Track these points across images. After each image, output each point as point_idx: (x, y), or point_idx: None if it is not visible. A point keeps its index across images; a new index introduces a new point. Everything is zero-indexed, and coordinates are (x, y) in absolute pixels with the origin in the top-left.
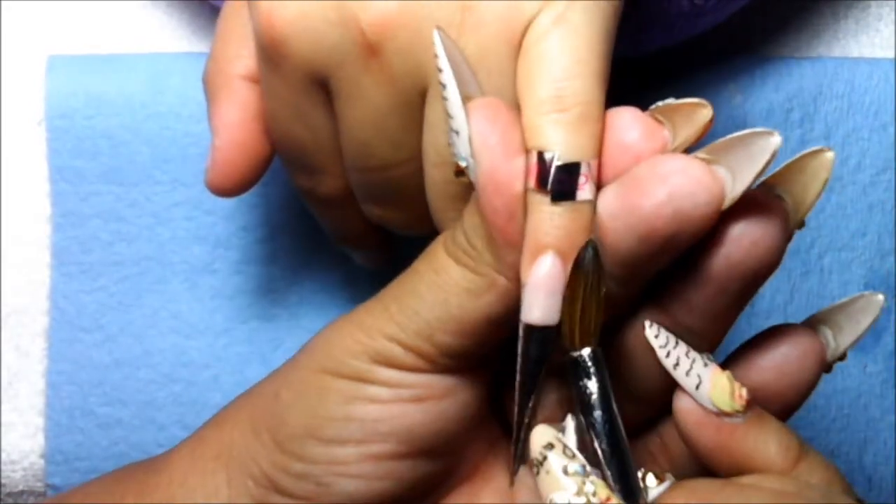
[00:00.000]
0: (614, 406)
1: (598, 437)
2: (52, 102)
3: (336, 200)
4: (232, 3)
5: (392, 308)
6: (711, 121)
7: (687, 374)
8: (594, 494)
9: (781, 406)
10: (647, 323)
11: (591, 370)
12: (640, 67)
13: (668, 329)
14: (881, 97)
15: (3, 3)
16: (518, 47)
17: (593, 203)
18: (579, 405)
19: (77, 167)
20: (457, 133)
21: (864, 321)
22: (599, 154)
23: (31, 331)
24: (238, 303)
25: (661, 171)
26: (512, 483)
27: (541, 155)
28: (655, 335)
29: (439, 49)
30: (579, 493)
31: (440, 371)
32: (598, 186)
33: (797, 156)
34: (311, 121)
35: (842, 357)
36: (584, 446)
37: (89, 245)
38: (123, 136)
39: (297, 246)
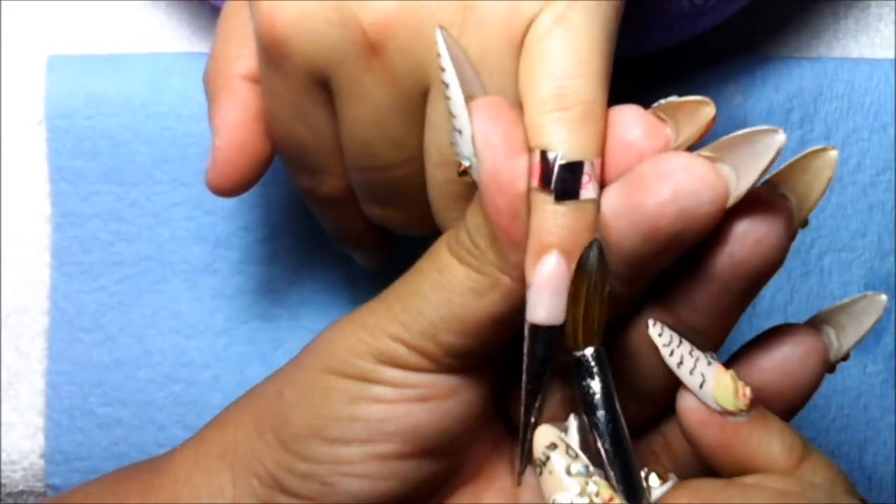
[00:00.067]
0: (617, 406)
1: (601, 437)
2: (52, 102)
3: (337, 200)
4: (232, 2)
5: (396, 308)
6: (714, 118)
7: (691, 372)
8: (597, 495)
9: (784, 406)
10: (650, 321)
11: (595, 370)
12: (640, 67)
13: (672, 328)
14: (881, 98)
15: (3, 3)
16: (520, 47)
17: (597, 202)
18: (582, 405)
19: (77, 167)
20: (460, 132)
21: (867, 321)
22: (602, 153)
23: (31, 331)
24: (238, 303)
25: (664, 169)
26: (518, 483)
27: (544, 154)
28: (659, 333)
29: (442, 48)
30: (582, 493)
31: (444, 371)
32: (602, 185)
33: (801, 154)
34: (312, 121)
35: (845, 357)
36: (587, 446)
37: (89, 245)
38: (123, 136)
39: (298, 246)
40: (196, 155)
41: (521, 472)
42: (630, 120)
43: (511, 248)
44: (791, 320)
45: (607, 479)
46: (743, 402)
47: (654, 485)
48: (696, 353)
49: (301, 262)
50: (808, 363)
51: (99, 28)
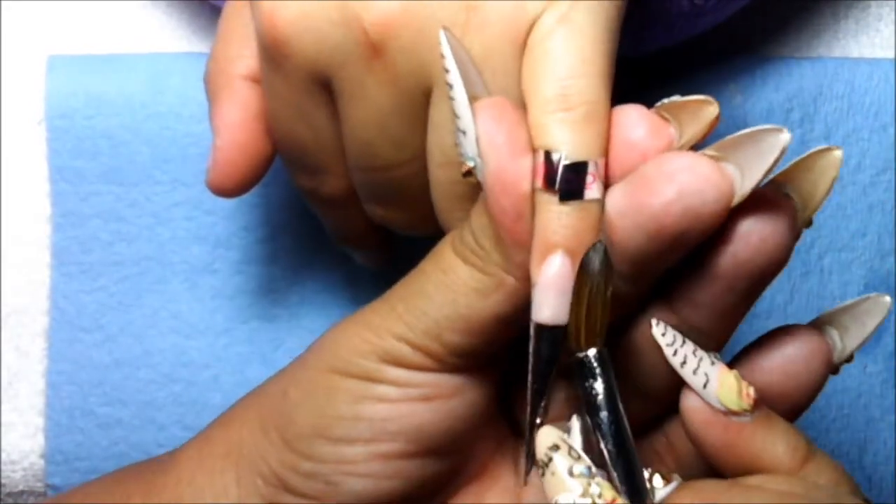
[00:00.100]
0: (620, 407)
1: (603, 438)
2: (52, 102)
3: (338, 200)
4: (233, 2)
5: (399, 308)
6: (718, 118)
7: (694, 372)
8: (600, 496)
9: (788, 407)
10: (653, 321)
11: (597, 371)
12: (640, 67)
13: (676, 327)
14: (881, 98)
15: (3, 3)
16: (523, 46)
17: (601, 202)
18: (585, 406)
19: (77, 167)
20: (464, 133)
21: (871, 323)
22: (606, 152)
23: (31, 331)
24: (238, 303)
25: (669, 168)
26: (525, 483)
27: (548, 154)
28: (662, 333)
29: (445, 49)
30: (585, 494)
31: (448, 370)
32: (606, 185)
33: (805, 154)
34: (314, 121)
35: (848, 359)
36: (591, 447)
37: (89, 245)
38: (123, 136)
39: (298, 246)
40: (196, 155)
41: (528, 473)
42: (633, 119)
43: (515, 249)
44: (791, 320)
45: (610, 480)
46: (747, 402)
47: (658, 486)
48: (700, 352)
49: (301, 263)
50: (812, 364)
51: (99, 28)
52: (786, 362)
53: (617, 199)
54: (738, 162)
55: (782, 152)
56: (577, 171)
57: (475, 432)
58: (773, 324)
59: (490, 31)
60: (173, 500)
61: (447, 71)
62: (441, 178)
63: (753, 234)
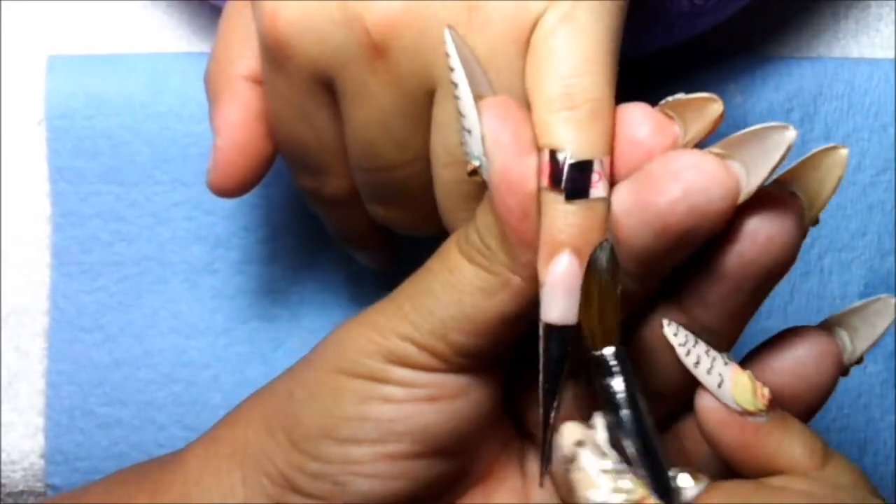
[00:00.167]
0: (641, 404)
1: (627, 436)
2: (52, 102)
3: (341, 201)
4: (234, 2)
5: (406, 307)
6: (722, 115)
7: (708, 372)
8: (630, 492)
9: (800, 409)
10: (664, 321)
11: (616, 369)
12: (640, 67)
13: (686, 327)
14: (881, 98)
15: (3, 3)
16: (526, 46)
17: (607, 200)
18: (606, 404)
19: (77, 167)
20: (469, 132)
21: (881, 324)
22: (611, 151)
23: (31, 331)
24: (239, 303)
25: (674, 167)
26: (542, 484)
27: (553, 153)
28: (674, 333)
29: (450, 48)
30: (616, 490)
31: (454, 370)
32: (611, 183)
33: (811, 152)
34: (316, 121)
35: (858, 360)
36: (614, 445)
37: (89, 245)
38: (123, 136)
39: (299, 246)
40: (196, 155)
41: (544, 473)
42: (638, 118)
43: (521, 248)
44: (791, 320)
45: (638, 477)
46: (762, 402)
47: (687, 485)
48: (713, 352)
49: (301, 262)
50: (823, 366)
51: (99, 28)
52: (796, 364)
53: (623, 198)
54: (743, 159)
55: (788, 149)
56: (582, 170)
57: (481, 433)
58: (773, 324)
59: (493, 30)
60: (180, 499)
61: (452, 70)
62: (445, 178)
63: (760, 233)
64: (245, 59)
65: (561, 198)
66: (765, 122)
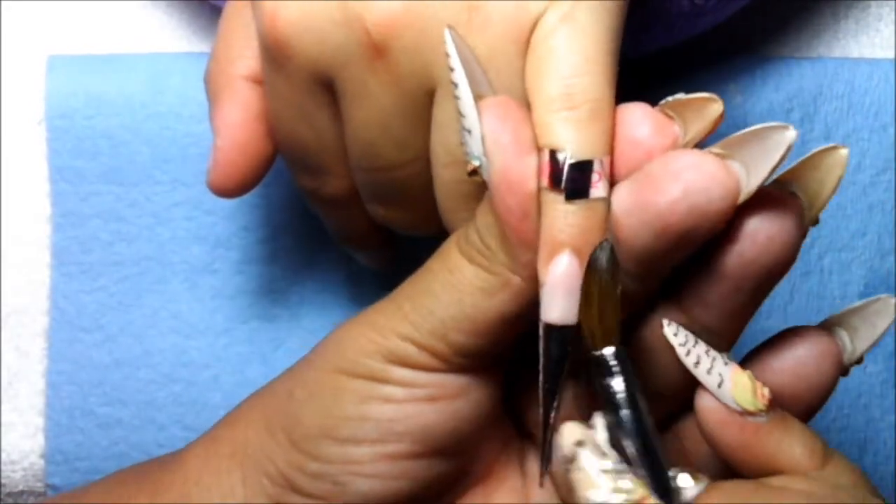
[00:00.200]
0: (641, 404)
1: (627, 436)
2: (52, 102)
3: (341, 201)
4: (234, 2)
5: (406, 307)
6: (722, 115)
7: (708, 372)
8: (630, 492)
9: (800, 409)
10: (664, 321)
11: (616, 369)
12: (640, 67)
13: (686, 327)
14: (881, 98)
15: (3, 3)
16: (526, 46)
17: (607, 200)
18: (606, 404)
19: (77, 167)
20: (469, 132)
21: (881, 324)
22: (611, 151)
23: (31, 331)
24: (238, 303)
25: (674, 167)
26: (542, 484)
27: (553, 153)
28: (674, 333)
29: (451, 48)
30: (616, 490)
31: (454, 370)
32: (611, 183)
33: (811, 153)
34: (316, 121)
35: (858, 361)
36: (615, 444)
37: (89, 245)
38: (123, 136)
39: (299, 246)
40: (196, 155)
41: (544, 473)
42: (638, 118)
43: (521, 248)
44: (791, 320)
45: (638, 477)
46: (762, 402)
47: (686, 485)
48: (713, 352)
49: (301, 262)
50: (823, 366)
51: (99, 28)
52: (796, 364)
53: (623, 198)
54: (743, 159)
55: (788, 149)
56: (582, 170)
57: (481, 433)
58: (773, 323)
59: (493, 30)
60: (180, 499)
61: (452, 70)
62: (445, 178)
63: (760, 233)
64: (245, 59)
65: (561, 198)
66: (765, 122)
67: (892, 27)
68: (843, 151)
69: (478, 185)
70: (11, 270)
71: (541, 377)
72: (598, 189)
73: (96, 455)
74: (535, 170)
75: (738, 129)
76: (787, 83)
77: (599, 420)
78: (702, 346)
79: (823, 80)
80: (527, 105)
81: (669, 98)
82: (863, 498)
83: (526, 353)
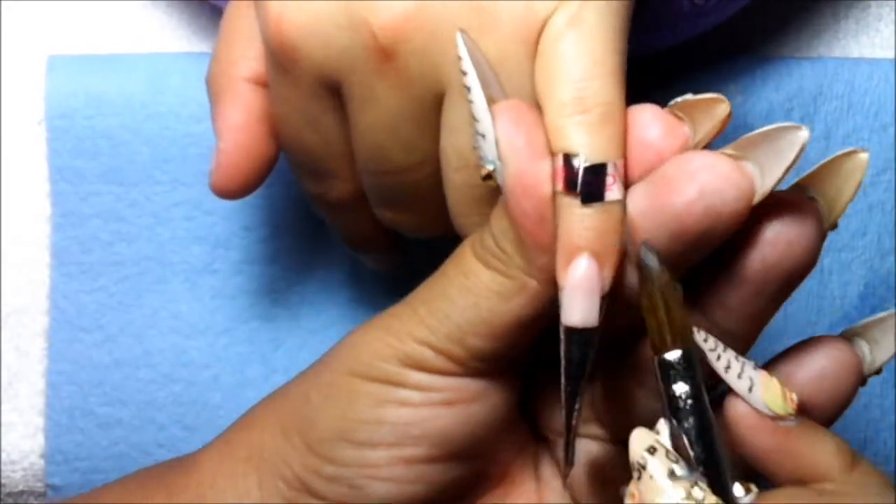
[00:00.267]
0: (709, 410)
1: (691, 443)
2: (52, 102)
3: (347, 204)
4: (236, 3)
5: (421, 311)
6: (730, 115)
7: (739, 377)
8: (703, 500)
9: (817, 419)
10: (693, 329)
11: (683, 373)
12: (640, 67)
13: (708, 331)
14: (881, 98)
15: (3, 3)
16: (535, 47)
17: (623, 202)
18: (670, 410)
19: (77, 167)
20: (483, 136)
21: None
22: (624, 153)
23: (31, 331)
24: (238, 303)
25: (689, 168)
26: (565, 486)
27: (567, 157)
28: (704, 339)
29: (463, 51)
30: (688, 497)
31: (470, 374)
32: (624, 185)
33: (831, 157)
34: (323, 126)
35: (877, 371)
36: (679, 451)
37: (89, 245)
38: (123, 136)
39: (299, 246)
40: (196, 155)
41: (567, 475)
42: (648, 119)
43: (537, 252)
44: (791, 320)
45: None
46: (791, 406)
47: (738, 494)
48: (741, 357)
49: (302, 263)
50: (843, 377)
51: (99, 28)
52: (817, 375)
53: (638, 200)
54: (757, 160)
55: (801, 150)
56: (596, 174)
57: (497, 437)
58: (772, 324)
59: (502, 32)
60: (195, 500)
61: (465, 74)
62: (457, 182)
63: (780, 238)
64: (247, 60)
65: (577, 202)
66: (771, 123)
67: (892, 27)
68: (863, 156)
69: (490, 190)
70: (11, 270)
71: (562, 380)
72: (613, 192)
73: (96, 455)
74: (550, 174)
75: (739, 129)
76: (787, 83)
77: (664, 427)
78: (730, 352)
79: (823, 80)
80: (538, 108)
81: (678, 99)
82: (893, 500)
83: (542, 356)
